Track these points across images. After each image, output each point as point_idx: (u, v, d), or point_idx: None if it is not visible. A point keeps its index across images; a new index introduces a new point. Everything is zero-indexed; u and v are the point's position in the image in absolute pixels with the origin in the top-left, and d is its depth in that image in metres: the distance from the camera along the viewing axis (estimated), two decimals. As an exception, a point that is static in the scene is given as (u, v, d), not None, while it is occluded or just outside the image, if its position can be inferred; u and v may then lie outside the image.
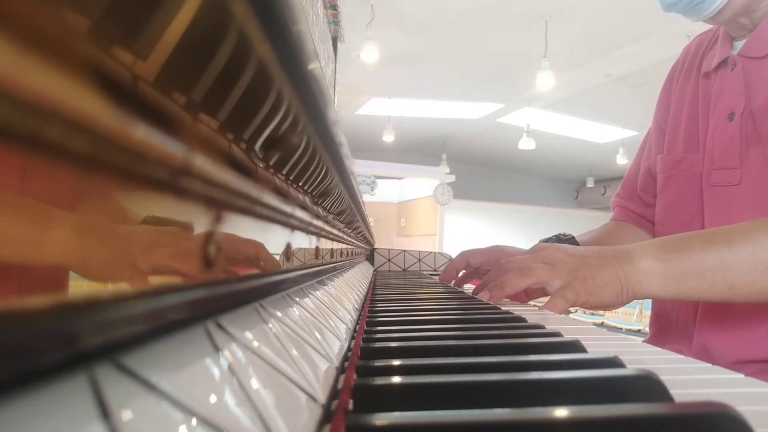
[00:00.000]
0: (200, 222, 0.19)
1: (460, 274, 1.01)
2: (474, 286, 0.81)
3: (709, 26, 0.91)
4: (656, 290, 0.66)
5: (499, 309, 0.62)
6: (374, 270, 1.62)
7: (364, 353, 0.34)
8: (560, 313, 0.67)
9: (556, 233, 1.00)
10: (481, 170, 10.04)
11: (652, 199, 0.94)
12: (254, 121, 0.23)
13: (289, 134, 0.26)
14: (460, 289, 0.94)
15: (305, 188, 0.40)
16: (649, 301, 0.85)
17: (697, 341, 0.77)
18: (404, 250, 1.70)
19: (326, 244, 0.59)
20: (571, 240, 0.97)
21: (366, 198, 6.46)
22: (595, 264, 0.67)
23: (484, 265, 0.96)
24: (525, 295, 0.77)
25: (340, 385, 0.26)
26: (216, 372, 0.17)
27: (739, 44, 0.81)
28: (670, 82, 0.95)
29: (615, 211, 1.03)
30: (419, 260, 1.69)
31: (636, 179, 0.98)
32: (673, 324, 0.83)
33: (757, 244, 0.62)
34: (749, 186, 0.75)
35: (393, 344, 0.38)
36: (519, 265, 0.70)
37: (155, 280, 0.16)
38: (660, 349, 0.47)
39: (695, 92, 0.86)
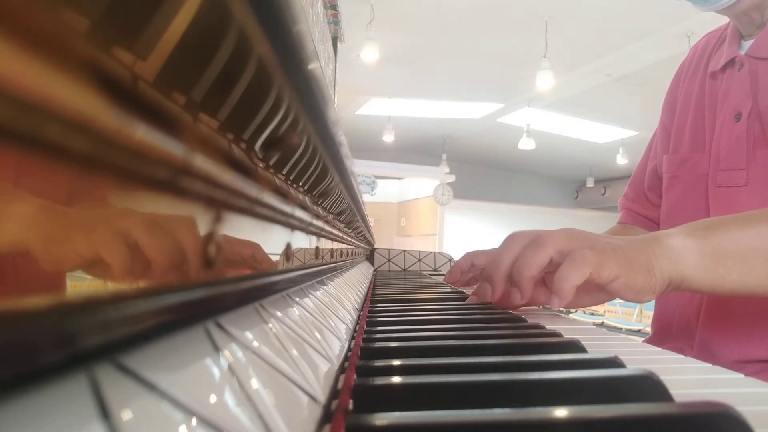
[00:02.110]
0: (200, 222, 0.19)
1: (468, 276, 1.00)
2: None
3: (713, 27, 0.91)
4: (692, 272, 0.57)
5: (499, 309, 0.62)
6: (374, 270, 1.62)
7: (364, 353, 0.34)
8: (578, 282, 0.54)
9: None
10: (481, 170, 10.05)
11: (659, 199, 0.94)
12: (254, 121, 0.23)
13: (289, 134, 0.26)
14: (460, 289, 0.93)
15: (305, 188, 0.40)
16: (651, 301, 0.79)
17: (699, 340, 0.77)
18: (404, 250, 1.70)
19: (326, 244, 0.59)
20: None
21: (366, 198, 6.46)
22: (616, 238, 0.59)
23: None
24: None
25: (340, 385, 0.26)
26: (216, 372, 0.17)
27: (747, 44, 0.80)
28: (677, 82, 0.95)
29: (622, 213, 1.03)
30: (419, 260, 1.69)
31: (643, 179, 0.98)
32: (675, 322, 0.83)
33: None
34: (756, 187, 0.74)
35: (393, 344, 0.38)
36: (524, 239, 0.59)
37: (155, 280, 0.16)
38: (660, 349, 0.47)
39: (701, 92, 0.86)
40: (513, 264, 0.59)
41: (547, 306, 0.62)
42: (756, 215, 0.59)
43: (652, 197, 0.96)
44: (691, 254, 0.57)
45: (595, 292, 0.62)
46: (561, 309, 0.62)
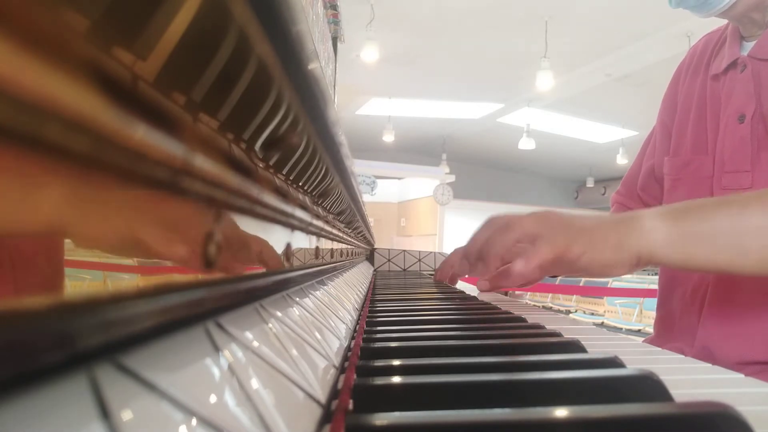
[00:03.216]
0: (200, 222, 0.19)
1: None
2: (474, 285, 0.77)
3: (712, 27, 0.91)
4: (661, 249, 0.59)
5: (499, 309, 0.62)
6: (374, 270, 1.62)
7: (364, 353, 0.34)
8: (542, 262, 0.58)
9: None
10: (481, 170, 10.05)
11: (652, 200, 0.93)
12: (254, 121, 0.23)
13: (289, 134, 0.26)
14: (460, 289, 0.94)
15: (305, 188, 0.40)
16: (651, 301, 0.80)
17: (699, 341, 0.77)
18: (404, 250, 1.70)
19: (326, 244, 0.59)
20: None
21: (366, 198, 6.45)
22: (590, 219, 0.62)
23: None
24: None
25: (340, 385, 0.26)
26: (216, 372, 0.17)
27: (749, 45, 0.80)
28: (676, 82, 0.94)
29: (613, 207, 1.02)
30: (419, 260, 1.69)
31: (636, 179, 0.98)
32: (677, 324, 0.83)
33: None
34: (761, 189, 0.74)
35: (393, 344, 0.38)
36: (499, 223, 0.65)
37: (155, 280, 0.16)
38: (660, 349, 0.48)
39: (703, 93, 0.86)
40: (485, 243, 0.66)
41: (512, 292, 0.67)
42: (734, 198, 0.61)
43: (645, 197, 0.96)
44: (660, 232, 0.60)
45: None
46: (561, 309, 0.63)
